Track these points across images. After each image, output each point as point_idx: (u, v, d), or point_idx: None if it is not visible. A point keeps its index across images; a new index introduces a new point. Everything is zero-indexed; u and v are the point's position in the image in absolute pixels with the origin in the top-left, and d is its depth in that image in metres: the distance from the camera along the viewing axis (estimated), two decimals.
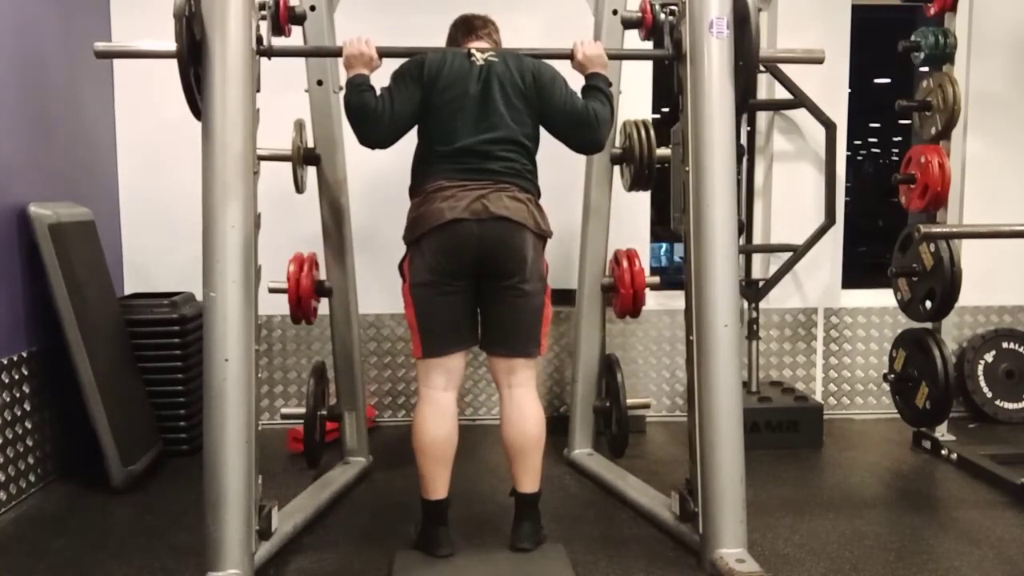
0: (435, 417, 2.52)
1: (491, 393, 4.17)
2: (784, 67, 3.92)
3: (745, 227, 4.25)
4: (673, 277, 4.25)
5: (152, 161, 3.97)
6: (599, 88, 2.60)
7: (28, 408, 3.09)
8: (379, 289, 3.85)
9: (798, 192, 4.18)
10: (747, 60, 2.55)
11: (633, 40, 3.08)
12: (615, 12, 3.18)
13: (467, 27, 2.73)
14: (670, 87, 2.75)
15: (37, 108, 3.31)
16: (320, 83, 3.18)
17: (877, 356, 4.25)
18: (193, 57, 2.39)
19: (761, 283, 4.00)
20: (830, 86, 4.03)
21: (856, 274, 4.43)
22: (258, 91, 2.50)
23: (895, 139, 5.97)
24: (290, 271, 3.17)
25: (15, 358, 3.03)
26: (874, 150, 6.22)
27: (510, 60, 2.56)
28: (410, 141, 2.61)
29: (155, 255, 4.00)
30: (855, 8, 4.12)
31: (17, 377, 3.03)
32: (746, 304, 3.92)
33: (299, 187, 3.23)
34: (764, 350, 4.17)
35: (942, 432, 3.68)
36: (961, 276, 3.31)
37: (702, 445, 2.54)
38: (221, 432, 2.35)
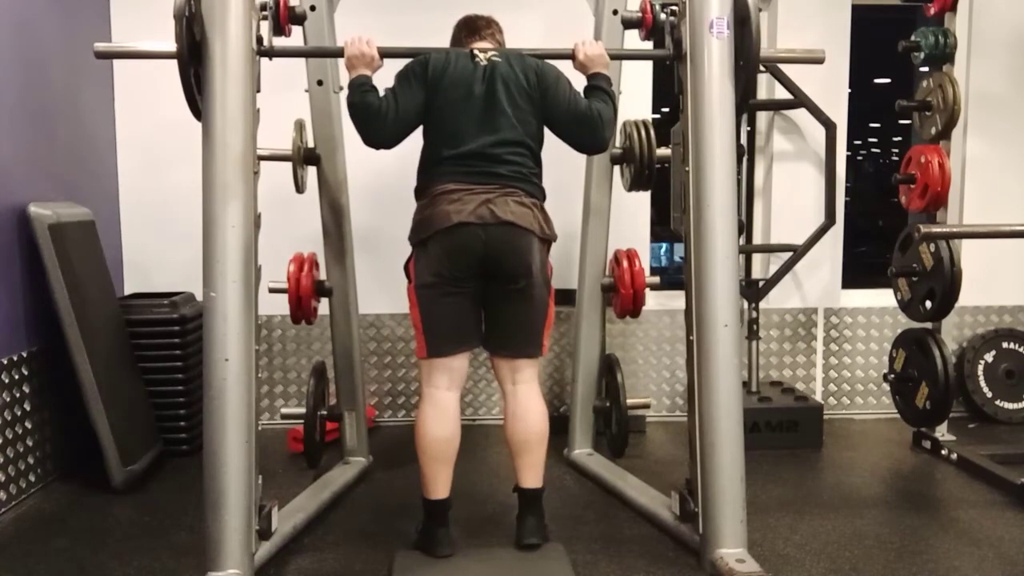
0: (438, 417, 2.53)
1: (492, 393, 4.17)
2: (784, 67, 3.92)
3: (745, 227, 4.25)
4: (673, 277, 4.25)
5: (152, 161, 3.97)
6: (602, 88, 2.61)
7: (28, 408, 3.09)
8: (379, 289, 3.85)
9: (798, 192, 4.19)
10: (747, 60, 2.54)
11: (633, 40, 3.08)
12: (615, 12, 3.18)
13: (471, 28, 2.73)
14: (670, 87, 2.75)
15: (37, 108, 3.31)
16: (320, 83, 3.18)
17: (877, 356, 4.25)
18: (193, 58, 2.38)
19: (761, 283, 4.00)
20: (830, 86, 4.03)
21: (856, 274, 4.43)
22: (258, 91, 2.50)
23: (895, 139, 5.96)
24: (290, 271, 3.17)
25: (15, 358, 3.03)
26: (874, 150, 6.22)
27: (514, 60, 2.56)
28: (410, 141, 2.61)
29: (155, 255, 4.00)
30: (855, 8, 4.12)
31: (17, 377, 3.03)
32: (746, 304, 3.92)
33: (299, 187, 3.23)
34: (764, 350, 4.17)
35: (942, 432, 3.68)
36: (961, 276, 3.31)
37: (702, 445, 2.54)
38: (221, 432, 2.35)
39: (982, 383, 4.12)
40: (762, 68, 3.82)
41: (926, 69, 3.64)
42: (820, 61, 2.77)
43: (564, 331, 4.09)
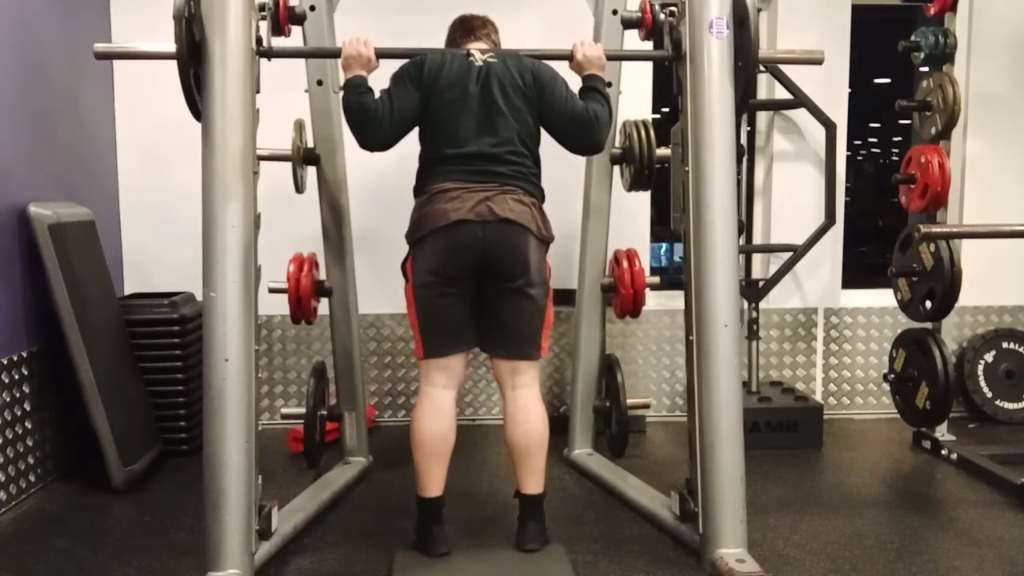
0: (434, 413, 2.53)
1: (491, 393, 4.17)
2: (784, 67, 3.92)
3: (745, 227, 4.25)
4: (673, 277, 4.25)
5: (152, 161, 3.97)
6: (597, 89, 2.60)
7: (28, 408, 3.09)
8: (379, 289, 3.85)
9: (798, 192, 4.18)
10: (747, 61, 2.54)
11: (633, 40, 3.08)
12: (615, 12, 3.18)
13: (466, 28, 2.72)
14: (670, 87, 2.74)
15: (37, 108, 3.31)
16: (320, 83, 3.18)
17: (877, 356, 4.25)
18: (193, 58, 2.38)
19: (761, 283, 4.00)
20: (830, 86, 4.03)
21: (856, 274, 4.43)
22: (258, 92, 2.50)
23: (895, 139, 5.96)
24: (290, 271, 3.17)
25: (15, 358, 3.03)
26: (874, 150, 6.22)
27: (509, 60, 2.56)
28: (409, 142, 2.60)
29: (155, 255, 4.00)
30: (855, 8, 4.12)
31: (17, 377, 3.03)
32: (746, 304, 3.92)
33: (299, 187, 3.23)
34: (764, 350, 4.17)
35: (942, 432, 3.68)
36: (961, 276, 3.31)
37: (702, 445, 2.54)
38: (221, 432, 2.35)
39: (982, 383, 4.12)
40: (762, 68, 3.83)
41: (926, 69, 3.63)
42: (819, 62, 2.77)
43: (564, 331, 4.09)
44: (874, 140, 6.15)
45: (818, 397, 4.23)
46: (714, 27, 2.53)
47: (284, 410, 3.52)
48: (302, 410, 3.26)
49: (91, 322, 3.18)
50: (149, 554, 2.64)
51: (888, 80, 5.43)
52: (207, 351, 2.37)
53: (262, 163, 2.58)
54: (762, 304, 4.01)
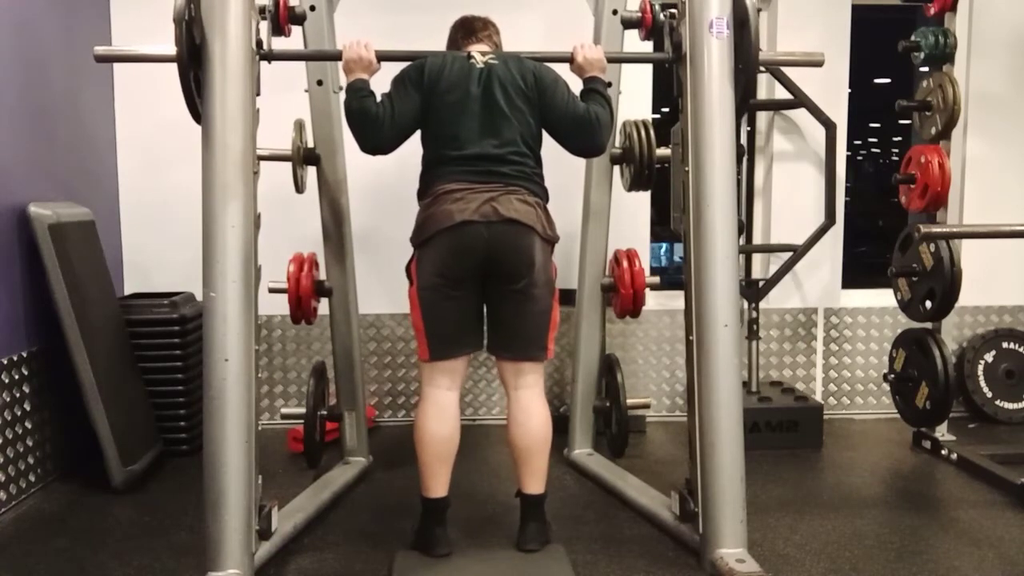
0: (438, 415, 2.53)
1: (492, 393, 4.17)
2: (784, 68, 3.92)
3: (745, 227, 4.25)
4: (673, 277, 4.25)
5: (152, 161, 3.97)
6: (598, 91, 2.60)
7: (28, 408, 3.09)
8: (379, 289, 3.86)
9: (798, 192, 4.18)
10: (747, 62, 2.54)
11: (633, 40, 3.08)
12: (615, 12, 3.18)
13: (467, 29, 2.72)
14: (670, 87, 2.74)
15: (37, 108, 3.31)
16: (320, 83, 3.18)
17: (877, 356, 4.25)
18: (193, 61, 2.38)
19: (761, 283, 4.00)
20: (830, 86, 4.03)
21: (856, 274, 4.43)
22: (258, 95, 2.50)
23: (895, 139, 5.96)
24: (290, 271, 3.17)
25: (15, 358, 3.03)
26: (874, 150, 6.22)
27: (511, 62, 2.56)
28: (409, 144, 2.60)
29: (155, 255, 4.00)
30: (855, 8, 4.12)
31: (17, 377, 3.03)
32: (746, 304, 3.92)
33: (299, 187, 3.23)
34: (764, 350, 4.17)
35: (942, 432, 3.68)
36: (961, 276, 3.31)
37: (702, 445, 2.54)
38: (221, 432, 2.35)
39: (982, 383, 4.12)
40: (762, 69, 3.82)
41: (926, 69, 3.64)
42: (819, 64, 2.77)
43: (564, 331, 4.07)
44: (874, 140, 6.16)
45: (818, 397, 4.23)
46: (714, 27, 2.53)
47: (284, 410, 3.52)
48: (302, 410, 3.26)
49: (91, 322, 3.18)
50: (149, 554, 2.64)
51: (888, 80, 5.43)
52: (207, 351, 2.37)
53: (262, 163, 2.58)
54: (762, 304, 4.01)
